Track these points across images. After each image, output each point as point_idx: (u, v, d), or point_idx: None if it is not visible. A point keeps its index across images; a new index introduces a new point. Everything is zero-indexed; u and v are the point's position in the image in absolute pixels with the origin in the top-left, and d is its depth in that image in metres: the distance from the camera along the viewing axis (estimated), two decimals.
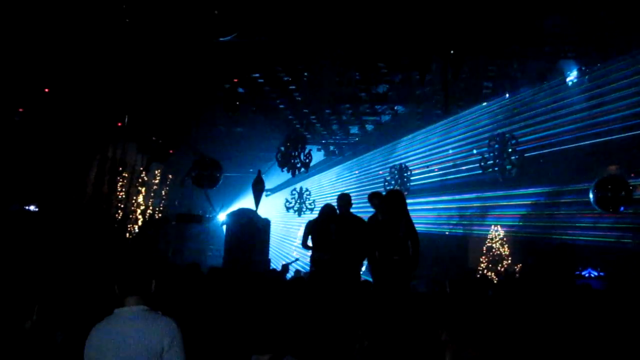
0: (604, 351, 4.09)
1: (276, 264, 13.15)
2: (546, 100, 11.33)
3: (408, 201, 7.08)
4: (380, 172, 15.39)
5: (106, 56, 9.24)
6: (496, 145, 11.49)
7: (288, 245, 17.17)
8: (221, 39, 7.51)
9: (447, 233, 14.29)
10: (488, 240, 13.73)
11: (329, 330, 3.69)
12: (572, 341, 4.17)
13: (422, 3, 7.82)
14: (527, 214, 12.76)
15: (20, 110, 9.88)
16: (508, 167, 11.24)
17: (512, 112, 12.07)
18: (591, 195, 9.61)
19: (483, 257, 13.61)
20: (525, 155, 11.34)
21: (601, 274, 11.05)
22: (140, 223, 14.37)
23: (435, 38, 8.48)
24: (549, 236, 11.89)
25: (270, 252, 12.38)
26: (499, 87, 11.58)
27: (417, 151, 14.51)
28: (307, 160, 12.83)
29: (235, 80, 11.18)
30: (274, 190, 18.94)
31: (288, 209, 15.37)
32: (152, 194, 15.16)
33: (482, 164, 11.69)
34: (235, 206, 15.56)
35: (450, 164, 13.68)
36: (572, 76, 10.60)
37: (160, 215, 15.46)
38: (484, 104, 12.41)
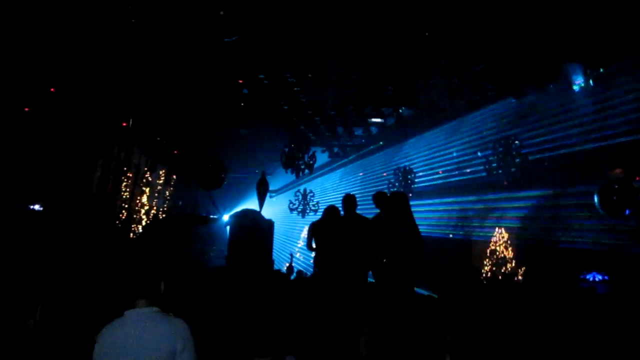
0: (608, 355, 4.07)
1: (280, 264, 13.15)
2: (551, 104, 11.30)
3: (411, 203, 7.07)
4: (385, 174, 15.38)
5: (112, 57, 9.27)
6: (500, 149, 11.48)
7: (292, 247, 17.19)
8: (226, 39, 7.53)
9: (450, 236, 14.25)
10: (492, 243, 13.68)
11: (330, 332, 3.68)
12: (576, 344, 4.15)
13: (425, 10, 7.84)
14: (531, 216, 12.69)
15: (26, 109, 9.91)
16: (512, 169, 11.24)
17: (517, 115, 12.05)
18: (596, 198, 9.55)
19: (487, 259, 13.56)
20: (530, 158, 11.33)
21: (605, 277, 10.98)
22: (144, 223, 14.41)
23: (439, 44, 8.50)
24: (552, 239, 11.83)
25: (274, 253, 12.37)
26: (504, 89, 11.56)
27: (421, 153, 14.49)
28: (311, 162, 12.97)
29: (240, 81, 11.20)
30: (279, 192, 18.96)
31: (292, 210, 15.37)
32: (156, 195, 15.20)
33: (487, 166, 11.68)
34: (239, 207, 15.57)
35: (454, 166, 13.64)
36: (578, 80, 10.57)
37: (164, 215, 15.49)
38: (489, 107, 12.39)
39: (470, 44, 8.77)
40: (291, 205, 15.36)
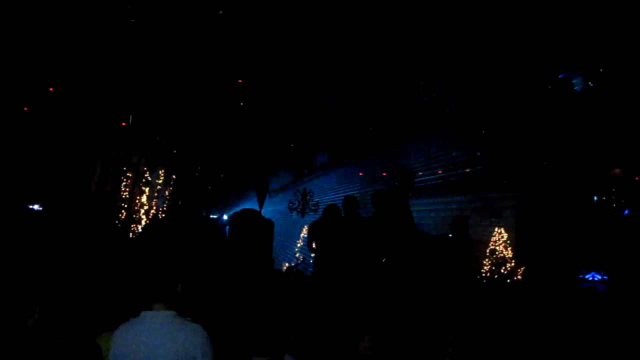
0: (609, 354, 4.07)
1: (279, 264, 13.12)
2: None
3: (410, 202, 7.07)
4: (384, 173, 15.35)
5: (111, 56, 9.26)
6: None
7: (292, 247, 17.15)
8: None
9: (450, 235, 14.23)
10: (491, 242, 13.69)
11: (330, 332, 3.68)
12: (576, 342, 4.14)
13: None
14: (529, 215, 12.69)
15: (26, 109, 9.90)
16: None
17: None
18: (595, 198, 9.57)
19: (486, 259, 13.56)
20: None
21: (605, 277, 10.97)
22: (143, 223, 14.39)
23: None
24: (550, 238, 11.82)
25: (273, 253, 12.34)
26: None
27: (421, 154, 14.48)
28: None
29: (240, 81, 11.20)
30: (278, 192, 18.92)
31: (291, 210, 15.37)
32: (155, 194, 15.18)
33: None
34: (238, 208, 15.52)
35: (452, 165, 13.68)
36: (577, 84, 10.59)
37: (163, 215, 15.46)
38: None
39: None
40: (291, 205, 15.36)
